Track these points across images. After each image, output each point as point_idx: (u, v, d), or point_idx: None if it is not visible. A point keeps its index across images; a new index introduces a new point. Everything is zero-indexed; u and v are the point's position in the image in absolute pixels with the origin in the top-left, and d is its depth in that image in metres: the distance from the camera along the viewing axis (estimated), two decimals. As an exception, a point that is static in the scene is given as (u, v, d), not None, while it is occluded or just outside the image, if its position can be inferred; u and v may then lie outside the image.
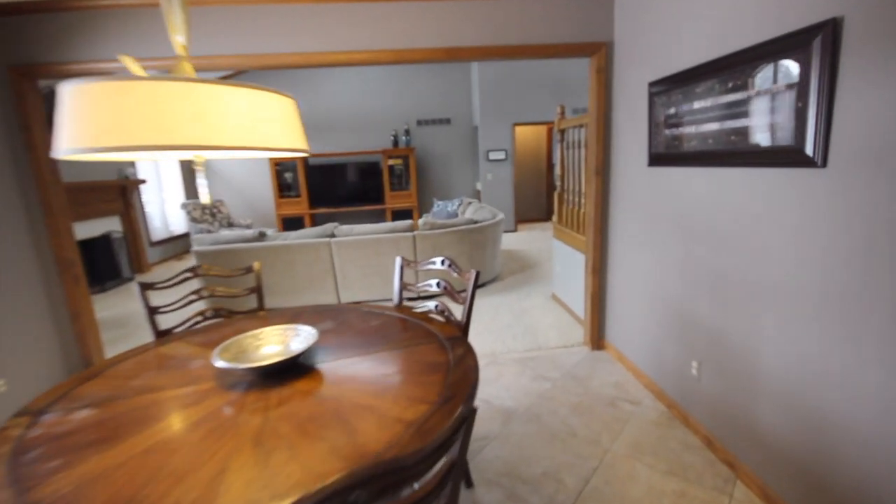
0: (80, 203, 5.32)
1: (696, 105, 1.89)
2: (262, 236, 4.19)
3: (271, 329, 1.51)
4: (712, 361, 1.94)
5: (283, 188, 8.12)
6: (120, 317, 4.43)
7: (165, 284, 1.89)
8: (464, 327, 1.67)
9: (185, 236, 7.95)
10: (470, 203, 5.83)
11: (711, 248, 1.89)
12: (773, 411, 1.64)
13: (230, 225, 7.83)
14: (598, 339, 3.03)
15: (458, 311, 2.18)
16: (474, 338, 3.35)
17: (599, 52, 2.61)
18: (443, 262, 1.86)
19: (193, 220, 7.36)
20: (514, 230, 8.17)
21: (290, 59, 2.43)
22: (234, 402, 1.18)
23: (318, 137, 8.36)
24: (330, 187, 8.15)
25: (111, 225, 5.97)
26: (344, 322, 1.74)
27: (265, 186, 8.43)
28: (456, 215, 5.94)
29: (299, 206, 8.07)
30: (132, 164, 6.64)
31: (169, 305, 1.87)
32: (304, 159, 7.99)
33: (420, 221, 4.27)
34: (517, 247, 6.69)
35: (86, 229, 5.47)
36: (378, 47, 2.46)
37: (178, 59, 1.06)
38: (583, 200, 3.29)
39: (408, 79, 8.24)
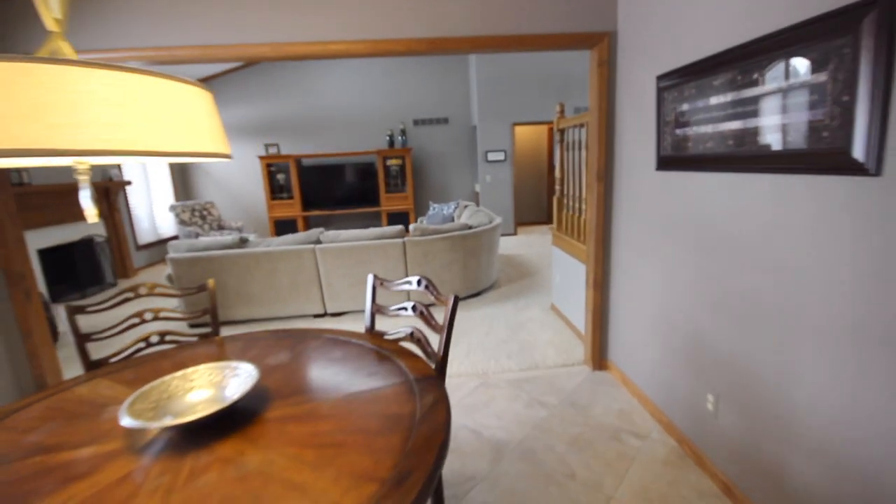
0: (58, 206, 5.09)
1: (714, 100, 1.63)
2: (242, 242, 3.95)
3: (207, 369, 1.26)
4: (732, 396, 1.68)
5: (276, 190, 7.89)
6: (96, 326, 4.19)
7: (98, 307, 1.64)
8: (440, 363, 1.42)
9: (175, 239, 7.72)
10: (466, 206, 5.58)
11: (731, 265, 1.63)
12: (807, 460, 1.38)
13: (220, 228, 7.60)
14: (599, 358, 2.77)
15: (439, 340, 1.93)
16: (466, 355, 3.09)
17: (601, 44, 2.35)
18: (419, 283, 1.61)
19: (182, 222, 7.13)
20: (514, 234, 7.91)
21: (258, 50, 2.19)
22: (133, 474, 0.93)
23: (311, 137, 8.12)
24: (324, 189, 7.91)
25: (94, 228, 5.74)
26: (301, 354, 1.48)
27: (257, 188, 8.19)
28: (452, 219, 5.69)
29: (292, 209, 7.83)
30: (117, 164, 6.42)
31: (103, 332, 1.62)
32: (298, 160, 7.75)
33: (411, 227, 4.02)
34: (516, 251, 6.43)
35: (65, 233, 5.25)
36: (353, 37, 2.21)
37: (51, 37, 0.81)
38: (583, 207, 3.03)
39: (404, 76, 8.00)
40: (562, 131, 3.51)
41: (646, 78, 2.09)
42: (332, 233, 3.98)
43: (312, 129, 8.09)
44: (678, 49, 1.83)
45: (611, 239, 2.59)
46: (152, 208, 7.35)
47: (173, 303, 4.43)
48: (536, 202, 9.05)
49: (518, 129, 8.46)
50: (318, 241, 3.95)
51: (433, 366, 1.45)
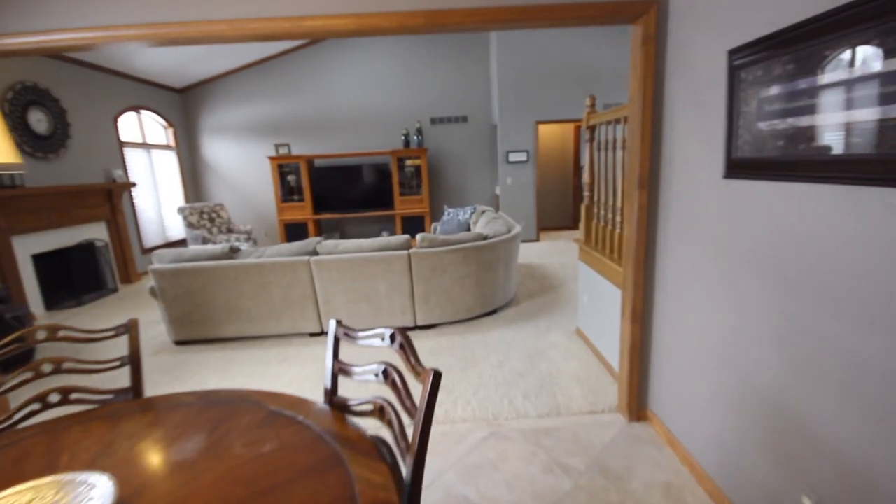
0: (54, 210, 4.86)
1: (828, 78, 1.11)
2: (233, 252, 3.58)
3: (56, 481, 0.84)
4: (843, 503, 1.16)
5: (286, 192, 7.58)
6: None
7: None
8: (411, 477, 0.94)
9: (183, 242, 7.51)
10: (483, 212, 5.10)
11: (844, 318, 1.11)
12: None
13: (229, 231, 7.35)
14: (637, 407, 2.25)
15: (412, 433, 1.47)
16: (474, 393, 2.62)
17: (647, 14, 1.84)
18: (392, 339, 1.15)
19: (190, 225, 6.90)
20: (536, 240, 7.37)
21: (213, 29, 1.77)
22: None
23: (323, 137, 7.78)
24: (336, 191, 7.55)
25: (95, 232, 5.53)
26: (219, 442, 1.05)
27: (268, 190, 7.91)
28: (468, 227, 5.21)
29: (303, 212, 7.51)
30: (122, 166, 6.21)
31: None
32: (309, 160, 7.43)
33: (418, 237, 3.57)
34: (538, 260, 5.90)
35: (62, 238, 5.03)
36: (333, 11, 1.77)
37: None
38: (618, 219, 2.51)
39: (421, 72, 7.56)
40: (592, 128, 3.00)
41: (711, 54, 1.57)
42: (329, 243, 3.57)
43: (325, 129, 7.75)
44: (766, 10, 1.31)
45: (655, 262, 2.07)
46: (161, 210, 7.15)
47: (156, 314, 4.09)
48: (561, 206, 8.47)
49: (542, 127, 7.91)
50: (315, 253, 3.55)
51: (403, 473, 0.98)
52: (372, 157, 7.60)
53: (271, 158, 7.33)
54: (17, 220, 4.46)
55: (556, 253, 6.35)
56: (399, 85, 7.60)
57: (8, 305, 3.48)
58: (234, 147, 7.83)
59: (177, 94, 7.55)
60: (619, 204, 2.50)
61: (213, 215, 7.26)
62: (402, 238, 3.55)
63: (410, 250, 3.48)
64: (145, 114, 6.92)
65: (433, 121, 7.73)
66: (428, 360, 3.08)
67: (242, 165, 7.90)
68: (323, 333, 3.67)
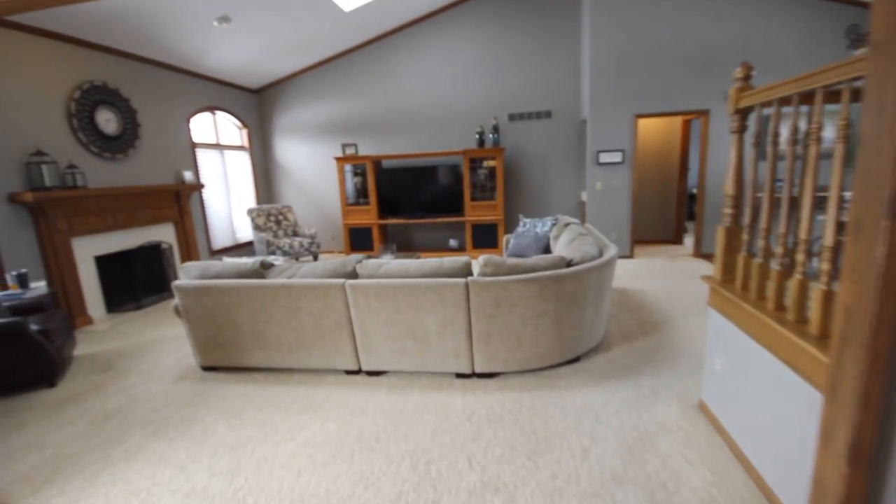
0: (118, 211, 4.80)
1: None
2: (264, 268, 3.06)
3: None
4: None
5: (352, 194, 7.19)
6: (126, 349, 3.68)
7: None
8: None
9: (250, 245, 7.44)
10: (567, 225, 4.15)
11: None
12: None
13: (294, 234, 7.13)
14: None
15: None
16: (546, 505, 1.77)
17: None
18: None
19: (257, 227, 6.76)
20: (630, 256, 6.20)
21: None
22: None
23: (391, 137, 7.28)
24: (402, 194, 7.00)
25: (161, 233, 5.48)
26: None
27: (334, 191, 7.60)
28: (547, 244, 4.30)
29: (368, 216, 7.06)
30: (193, 167, 6.17)
31: None
32: (376, 161, 6.96)
33: (480, 260, 2.77)
34: (635, 284, 4.80)
35: (126, 239, 4.97)
36: None
37: None
38: (819, 264, 1.51)
39: (502, 62, 6.73)
40: (744, 112, 1.99)
41: None
42: (371, 263, 2.91)
43: (393, 127, 7.24)
44: None
45: (911, 358, 1.07)
46: (231, 212, 7.11)
47: (181, 330, 3.73)
48: (661, 215, 7.15)
49: (642, 122, 6.69)
50: (353, 275, 2.91)
51: None
52: (442, 157, 6.94)
53: (337, 159, 6.97)
54: (80, 222, 4.41)
55: (657, 275, 5.18)
56: (475, 77, 6.84)
57: (44, 314, 3.28)
58: (304, 147, 7.63)
59: (253, 94, 7.50)
60: (825, 239, 1.50)
61: (280, 217, 7.08)
62: (459, 262, 2.78)
63: (469, 278, 2.69)
64: (220, 115, 6.90)
65: (511, 117, 6.87)
66: (482, 432, 2.27)
67: (311, 166, 7.68)
68: (360, 372, 3.03)
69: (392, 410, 2.54)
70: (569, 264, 2.85)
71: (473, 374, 2.89)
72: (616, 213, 6.17)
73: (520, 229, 4.90)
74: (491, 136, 6.66)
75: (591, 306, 2.94)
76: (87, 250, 4.54)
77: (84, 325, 4.38)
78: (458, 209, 6.87)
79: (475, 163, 6.67)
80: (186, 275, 3.09)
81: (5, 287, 3.64)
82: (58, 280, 4.20)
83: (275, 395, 2.79)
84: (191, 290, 2.98)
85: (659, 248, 6.80)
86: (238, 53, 5.94)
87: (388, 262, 2.90)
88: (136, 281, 5.04)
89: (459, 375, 2.90)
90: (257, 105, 7.59)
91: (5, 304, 3.30)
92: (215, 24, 4.98)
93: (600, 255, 3.10)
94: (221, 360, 3.14)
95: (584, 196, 6.44)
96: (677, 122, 6.78)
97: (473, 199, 6.74)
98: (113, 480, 2.06)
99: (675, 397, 2.51)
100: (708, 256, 5.93)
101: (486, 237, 6.73)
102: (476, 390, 2.71)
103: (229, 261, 3.26)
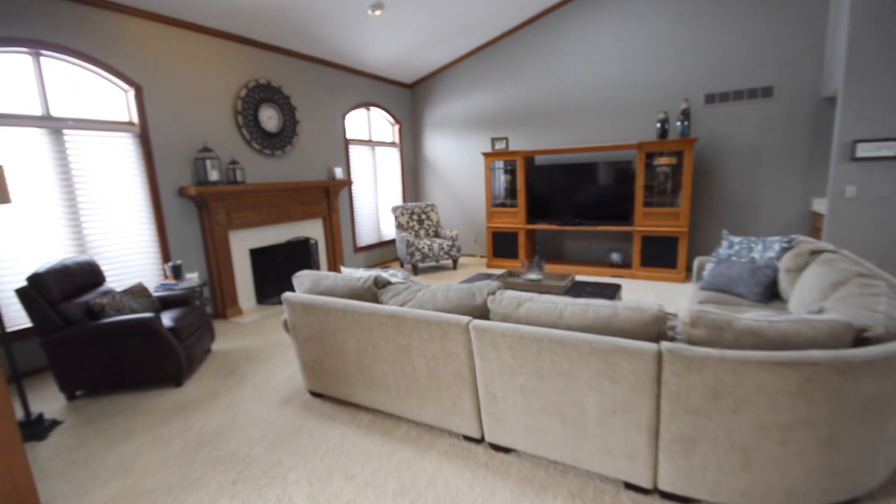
0: (271, 205, 4.92)
1: None
2: (378, 287, 2.48)
3: None
4: None
5: (499, 194, 6.45)
6: (255, 349, 3.57)
7: None
8: None
9: (392, 243, 7.30)
10: (817, 253, 2.67)
11: None
12: None
13: (436, 234, 6.72)
14: None
15: None
16: None
17: None
18: None
19: (399, 226, 6.54)
20: (902, 299, 4.09)
21: None
22: None
23: (547, 128, 6.28)
24: (556, 195, 5.97)
25: (310, 229, 5.55)
26: None
27: (480, 191, 6.97)
28: (772, 276, 2.88)
29: (514, 219, 6.23)
30: (345, 163, 6.18)
31: None
32: (528, 157, 6.08)
33: (687, 314, 1.69)
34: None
35: (278, 233, 5.09)
36: None
37: None
38: None
39: (698, 29, 5.16)
40: None
41: None
42: (510, 297, 2.06)
43: (549, 118, 6.24)
44: None
45: None
46: (377, 209, 7.05)
47: (291, 352, 3.38)
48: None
49: (937, 96, 4.39)
50: (485, 311, 2.11)
51: None
52: (607, 152, 5.70)
53: (486, 154, 6.29)
54: (238, 216, 4.58)
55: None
56: (659, 51, 5.40)
57: (185, 309, 3.28)
58: (452, 142, 7.16)
59: (407, 89, 7.32)
60: None
61: (423, 217, 6.75)
62: (646, 312, 1.74)
63: (664, 345, 1.65)
64: (374, 111, 6.85)
65: (709, 98, 5.24)
66: None
67: (457, 162, 7.18)
68: (483, 442, 2.23)
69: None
70: (860, 336, 1.57)
71: (656, 492, 1.83)
72: (878, 232, 4.14)
73: (723, 251, 3.49)
74: (679, 123, 5.16)
75: (894, 420, 1.60)
76: (242, 243, 4.71)
77: (234, 315, 4.54)
78: (624, 216, 5.55)
79: (652, 158, 5.26)
80: (299, 286, 2.71)
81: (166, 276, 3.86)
82: (215, 271, 4.41)
83: (373, 456, 2.17)
84: (297, 306, 2.57)
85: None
86: (393, 45, 5.68)
87: (536, 297, 2.02)
88: (284, 275, 5.14)
89: (631, 487, 1.87)
90: (410, 99, 7.40)
91: (158, 293, 3.42)
92: (369, 12, 4.71)
93: (921, 323, 1.70)
94: (327, 388, 2.68)
95: (820, 206, 4.51)
96: None
97: (647, 203, 5.35)
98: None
99: None
100: None
101: (661, 254, 5.29)
102: (659, 527, 1.67)
103: (346, 272, 2.79)
